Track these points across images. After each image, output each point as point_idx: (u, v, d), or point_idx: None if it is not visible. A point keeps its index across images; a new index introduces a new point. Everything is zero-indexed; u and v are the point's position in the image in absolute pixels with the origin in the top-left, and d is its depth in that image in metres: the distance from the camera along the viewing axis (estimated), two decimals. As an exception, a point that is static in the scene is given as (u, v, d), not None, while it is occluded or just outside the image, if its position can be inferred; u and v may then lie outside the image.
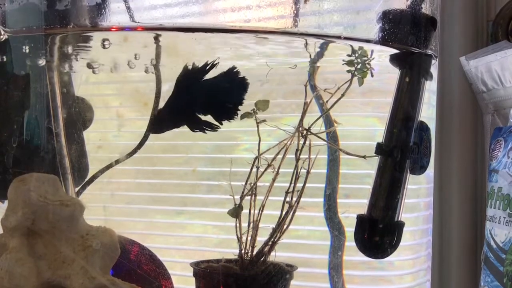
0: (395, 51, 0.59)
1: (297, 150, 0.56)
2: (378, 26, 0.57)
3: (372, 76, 0.57)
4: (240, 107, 0.54)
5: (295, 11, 0.53)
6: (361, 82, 0.57)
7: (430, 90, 0.63)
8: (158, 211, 0.61)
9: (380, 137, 0.59)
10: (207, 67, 0.54)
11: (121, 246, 0.50)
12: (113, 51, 0.55)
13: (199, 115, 0.54)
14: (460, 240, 0.87)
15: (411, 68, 0.60)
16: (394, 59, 0.60)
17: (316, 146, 0.57)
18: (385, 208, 0.59)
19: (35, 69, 0.55)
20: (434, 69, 0.63)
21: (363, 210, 0.59)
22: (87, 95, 0.58)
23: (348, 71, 0.57)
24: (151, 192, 0.61)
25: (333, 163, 0.60)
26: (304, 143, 0.56)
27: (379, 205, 0.59)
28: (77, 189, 0.57)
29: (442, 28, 0.84)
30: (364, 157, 0.58)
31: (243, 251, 0.57)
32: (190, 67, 0.54)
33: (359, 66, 0.57)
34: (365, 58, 0.57)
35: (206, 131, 0.54)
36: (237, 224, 0.56)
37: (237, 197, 0.56)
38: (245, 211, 0.56)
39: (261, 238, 0.57)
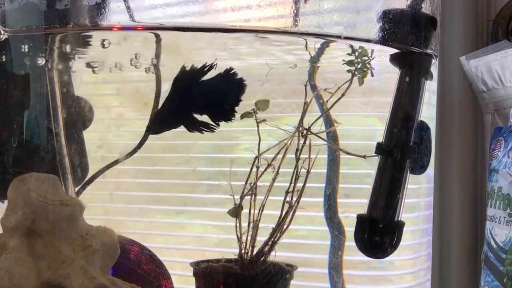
0: (395, 50, 0.59)
1: (297, 149, 0.56)
2: (378, 25, 0.57)
3: (372, 75, 0.57)
4: (237, 109, 0.54)
5: (295, 11, 0.53)
6: (361, 82, 0.57)
7: (430, 90, 0.63)
8: (158, 211, 0.61)
9: (380, 137, 0.59)
10: (205, 69, 0.53)
11: (121, 246, 0.50)
12: (113, 50, 0.55)
13: (196, 116, 0.54)
14: (460, 240, 0.87)
15: (411, 67, 0.60)
16: (394, 58, 0.60)
17: (316, 146, 0.57)
18: (385, 208, 0.59)
19: (35, 68, 0.55)
20: (434, 69, 0.63)
21: (363, 210, 0.59)
22: (87, 94, 0.58)
23: (348, 71, 0.57)
24: (151, 192, 0.61)
25: (333, 163, 0.59)
26: (304, 142, 0.56)
27: (379, 205, 0.59)
28: (77, 188, 0.57)
29: (442, 27, 0.84)
30: (364, 156, 0.58)
31: (243, 251, 0.57)
32: (187, 67, 0.54)
33: (359, 66, 0.57)
34: (365, 58, 0.57)
35: (203, 131, 0.54)
36: (237, 224, 0.56)
37: (237, 197, 0.56)
38: (245, 211, 0.56)
39: (261, 238, 0.57)
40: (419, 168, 0.61)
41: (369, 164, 0.58)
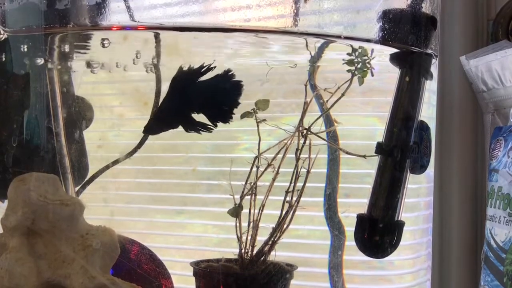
0: (395, 50, 0.59)
1: (297, 149, 0.56)
2: (378, 25, 0.57)
3: (372, 75, 0.57)
4: (235, 110, 0.54)
5: (295, 11, 0.53)
6: (361, 82, 0.57)
7: (430, 90, 0.63)
8: (158, 211, 0.61)
9: (380, 137, 0.59)
10: (203, 69, 0.53)
11: (121, 246, 0.50)
12: (112, 50, 0.55)
13: (193, 116, 0.54)
14: (460, 240, 0.87)
15: (411, 67, 0.60)
16: (394, 58, 0.60)
17: (316, 146, 0.57)
18: (385, 207, 0.59)
19: (35, 68, 0.55)
20: (434, 69, 0.63)
21: (363, 210, 0.59)
22: (87, 94, 0.58)
23: (348, 71, 0.57)
24: (151, 192, 0.61)
25: (333, 163, 0.59)
26: (304, 142, 0.56)
27: (379, 204, 0.59)
28: (77, 188, 0.57)
29: (442, 27, 0.84)
30: (364, 156, 0.58)
31: (243, 250, 0.57)
32: (185, 68, 0.54)
33: (359, 66, 0.57)
34: (365, 58, 0.57)
35: (200, 131, 0.54)
36: (237, 224, 0.56)
37: (237, 196, 0.56)
38: (245, 211, 0.56)
39: (261, 238, 0.57)
40: (419, 167, 0.61)
41: (369, 164, 0.58)
